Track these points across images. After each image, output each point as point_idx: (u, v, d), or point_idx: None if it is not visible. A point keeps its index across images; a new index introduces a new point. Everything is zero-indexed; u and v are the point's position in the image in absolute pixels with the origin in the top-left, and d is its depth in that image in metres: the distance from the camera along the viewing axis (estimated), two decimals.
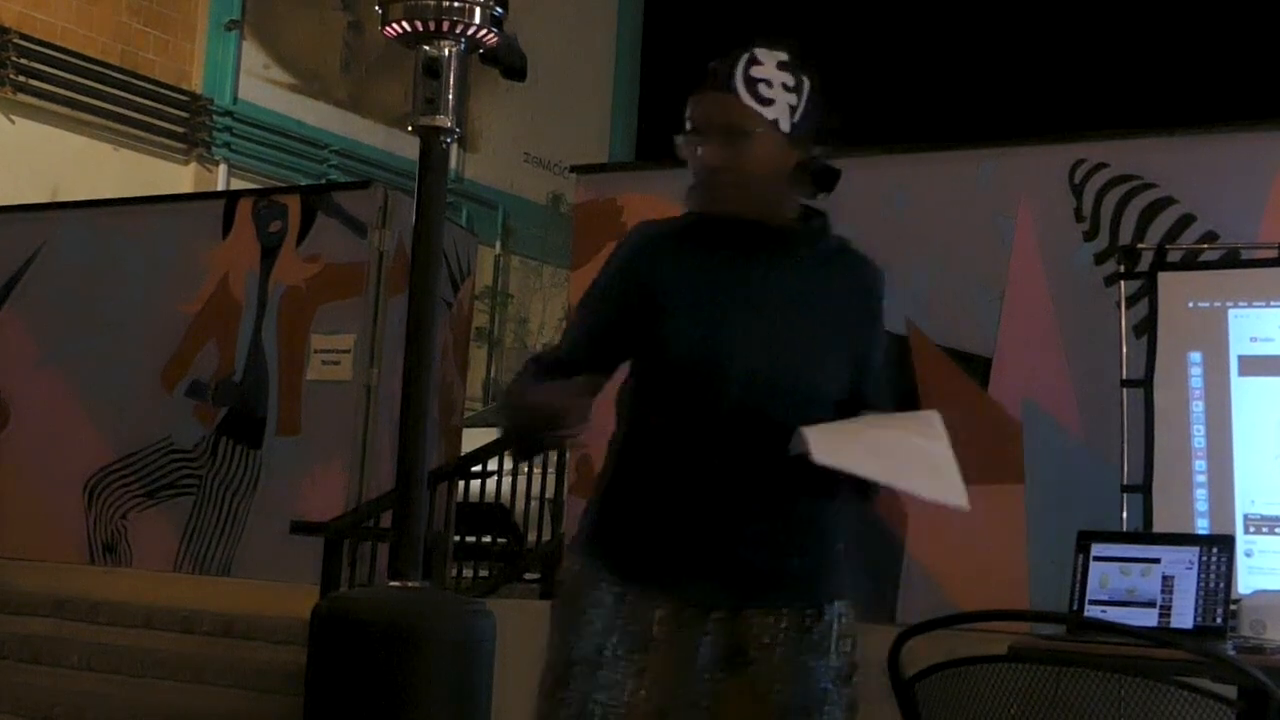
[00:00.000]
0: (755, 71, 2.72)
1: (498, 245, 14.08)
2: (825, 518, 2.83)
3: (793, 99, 2.74)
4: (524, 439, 2.82)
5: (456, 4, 5.37)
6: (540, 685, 2.76)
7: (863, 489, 2.77)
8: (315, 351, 7.52)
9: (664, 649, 2.70)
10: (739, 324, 2.73)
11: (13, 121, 9.86)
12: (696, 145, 2.74)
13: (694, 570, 2.71)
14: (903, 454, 2.66)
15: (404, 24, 5.44)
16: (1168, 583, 4.19)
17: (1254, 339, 5.07)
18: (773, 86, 2.73)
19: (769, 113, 2.72)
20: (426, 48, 5.51)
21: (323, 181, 11.20)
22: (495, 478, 6.99)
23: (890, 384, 2.94)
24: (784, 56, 2.76)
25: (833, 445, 2.59)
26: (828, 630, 2.76)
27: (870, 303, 2.88)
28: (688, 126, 2.77)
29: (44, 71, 9.99)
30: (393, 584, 5.40)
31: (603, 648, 2.70)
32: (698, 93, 2.76)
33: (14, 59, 9.78)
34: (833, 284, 2.82)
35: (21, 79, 9.86)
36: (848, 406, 2.75)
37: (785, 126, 2.74)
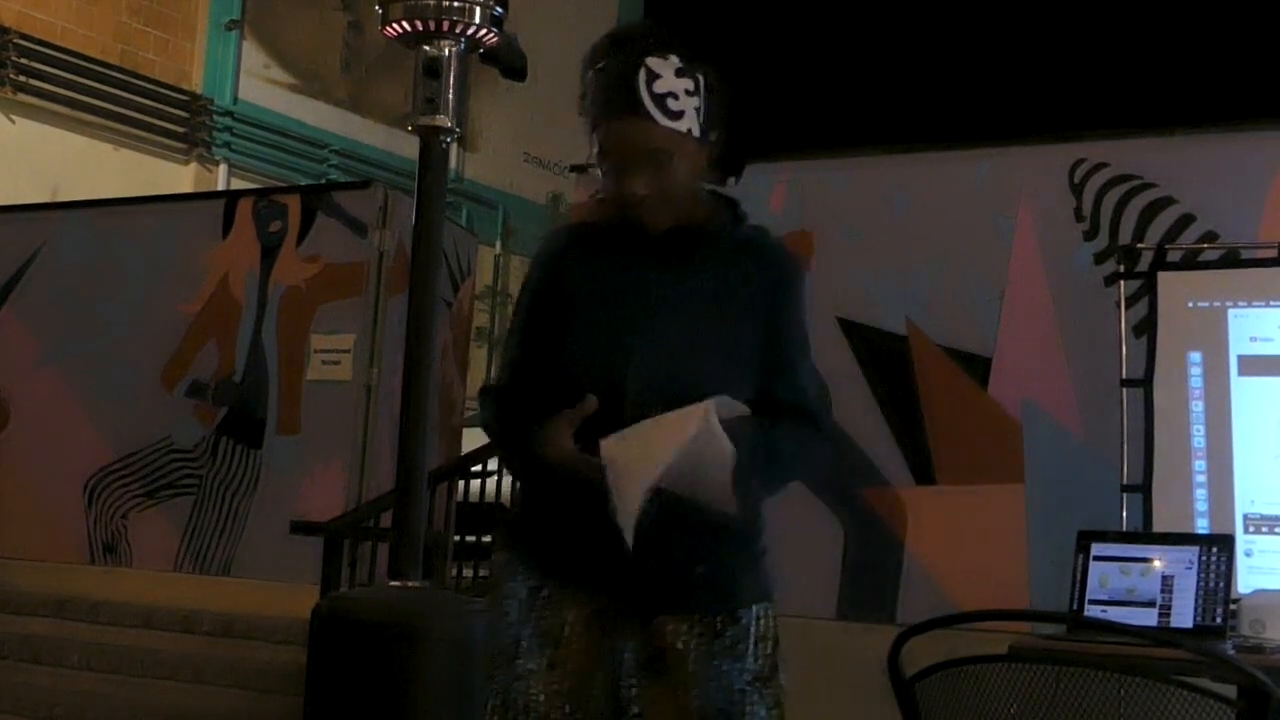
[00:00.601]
0: (658, 87, 2.67)
1: (498, 245, 14.07)
2: (742, 524, 2.76)
3: (696, 101, 2.71)
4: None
5: (456, 4, 5.37)
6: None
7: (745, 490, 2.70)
8: (315, 351, 7.52)
9: (576, 648, 2.71)
10: (637, 335, 2.71)
11: (13, 121, 9.86)
12: (618, 174, 2.70)
13: (604, 578, 2.71)
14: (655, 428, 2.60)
15: (404, 24, 5.43)
16: (1167, 582, 4.19)
17: (1254, 339, 5.07)
18: (679, 98, 2.69)
19: (681, 126, 2.69)
20: (426, 48, 5.51)
21: (323, 181, 11.20)
22: (495, 478, 6.99)
23: (815, 374, 2.88)
24: (677, 62, 2.71)
25: (629, 456, 2.57)
26: (743, 634, 2.75)
27: (781, 296, 2.82)
28: (603, 155, 2.72)
29: (44, 71, 9.98)
30: (393, 584, 5.40)
31: (519, 639, 2.72)
32: (607, 120, 2.70)
33: (14, 59, 9.77)
34: (741, 281, 2.79)
35: (21, 79, 9.85)
36: (757, 408, 2.71)
37: (697, 133, 2.71)
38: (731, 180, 2.83)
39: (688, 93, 2.69)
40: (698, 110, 2.71)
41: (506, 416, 2.86)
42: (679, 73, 2.70)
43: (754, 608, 2.78)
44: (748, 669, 2.74)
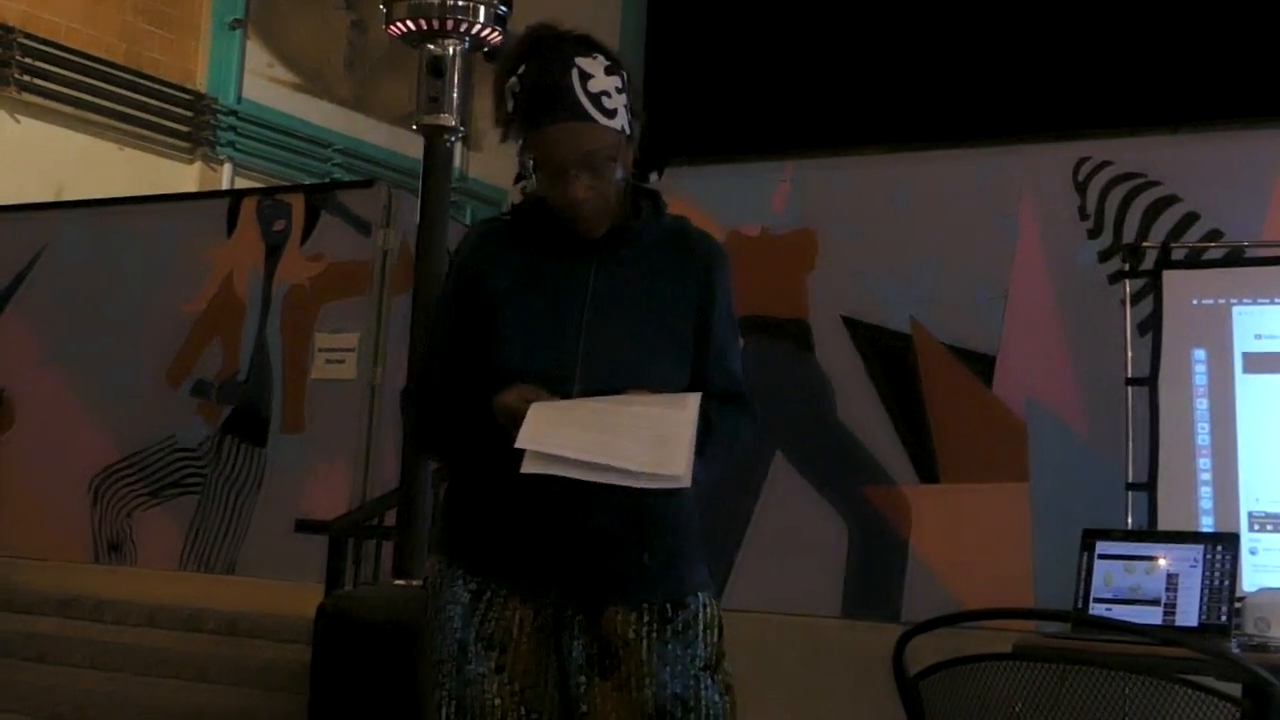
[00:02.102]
0: (592, 86, 2.65)
1: None
2: (675, 512, 2.78)
3: (624, 99, 2.70)
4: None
5: (460, 3, 5.39)
6: (423, 685, 2.78)
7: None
8: (319, 350, 7.53)
9: (524, 650, 2.70)
10: (578, 330, 2.70)
11: (18, 121, 9.86)
12: (558, 179, 2.67)
13: (545, 573, 2.69)
14: (624, 422, 2.58)
15: (408, 23, 5.46)
16: (1172, 581, 4.19)
17: (1258, 336, 5.07)
18: (611, 96, 2.67)
19: (616, 124, 2.68)
20: (430, 46, 5.53)
21: (326, 180, 11.20)
22: None
23: (742, 359, 2.90)
24: (604, 60, 2.69)
25: (546, 426, 2.55)
26: (692, 619, 2.74)
27: (711, 285, 2.83)
28: (542, 161, 2.68)
29: (49, 71, 9.98)
30: (397, 582, 5.42)
31: (465, 644, 2.70)
32: (547, 124, 2.65)
33: (19, 58, 9.77)
34: (671, 272, 2.80)
35: (26, 78, 9.85)
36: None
37: (627, 130, 2.71)
38: (654, 176, 2.83)
39: (617, 90, 2.68)
40: (626, 108, 2.70)
41: (434, 411, 2.82)
42: (607, 70, 2.69)
43: (700, 594, 2.78)
44: (699, 655, 2.73)
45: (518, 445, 2.53)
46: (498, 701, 2.67)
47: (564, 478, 2.57)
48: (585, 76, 2.65)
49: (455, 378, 2.78)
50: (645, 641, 2.70)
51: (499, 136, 2.79)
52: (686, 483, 2.56)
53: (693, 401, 2.63)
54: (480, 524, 2.76)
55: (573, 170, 2.65)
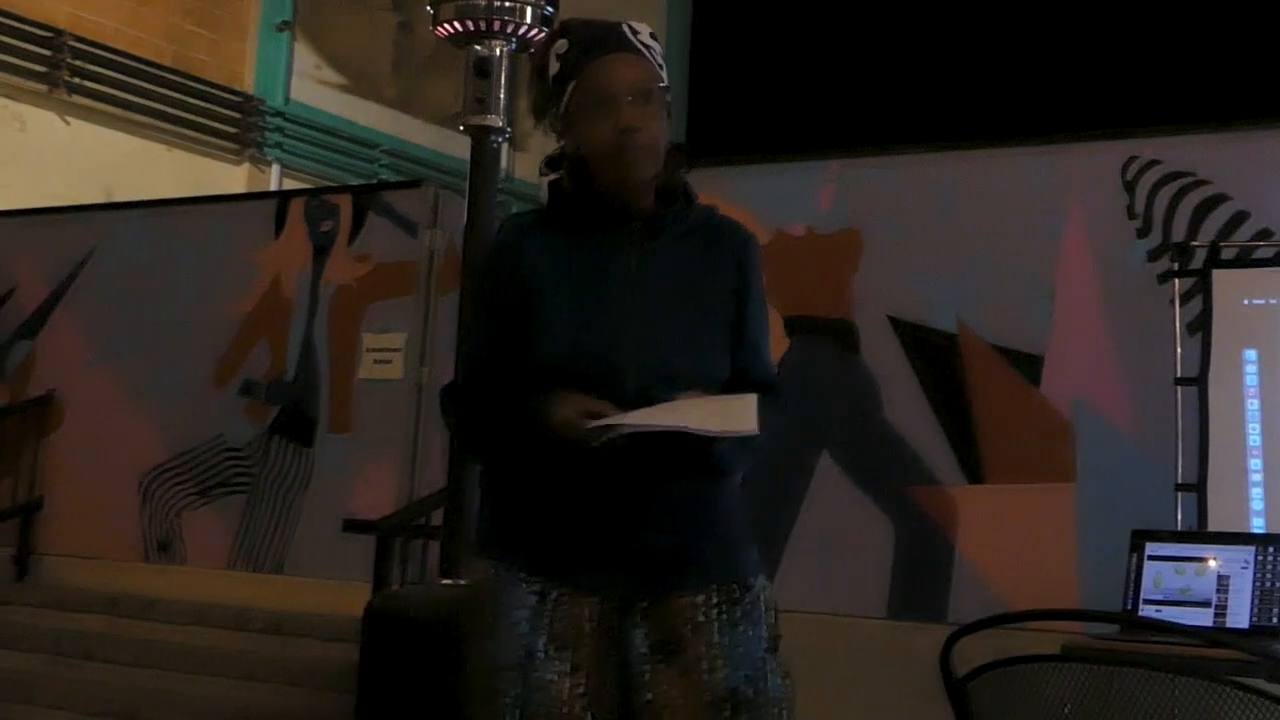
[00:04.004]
0: (640, 39, 2.76)
1: None
2: (724, 498, 2.79)
3: (664, 73, 2.80)
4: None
5: (507, 4, 5.41)
6: (471, 693, 2.73)
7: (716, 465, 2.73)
8: (367, 350, 7.56)
9: (592, 644, 2.68)
10: (622, 313, 2.71)
11: (67, 123, 9.95)
12: (610, 112, 2.70)
13: (607, 564, 2.68)
14: (692, 406, 2.61)
15: (455, 24, 5.48)
16: (1223, 582, 4.17)
17: None
18: (657, 53, 2.78)
19: (663, 73, 2.78)
20: (477, 47, 5.56)
21: (374, 181, 11.25)
22: None
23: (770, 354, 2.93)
24: (649, 28, 2.80)
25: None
26: (756, 601, 2.75)
27: (743, 273, 2.84)
28: (590, 97, 2.71)
29: (97, 73, 10.07)
30: (444, 582, 5.44)
31: (533, 650, 2.66)
32: (599, 59, 2.72)
33: (68, 60, 9.86)
34: (703, 259, 2.81)
35: (75, 80, 9.94)
36: (732, 385, 2.75)
37: (668, 95, 2.79)
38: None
39: (661, 55, 2.79)
40: (665, 74, 2.80)
41: (481, 409, 2.80)
42: (652, 36, 2.81)
43: (759, 576, 2.79)
44: (763, 637, 2.74)
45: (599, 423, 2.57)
46: (565, 711, 2.64)
47: (618, 471, 2.61)
48: (634, 30, 2.77)
49: (500, 373, 2.76)
50: (715, 624, 2.70)
51: (533, 121, 2.84)
52: (755, 430, 2.59)
53: (752, 397, 2.65)
54: (536, 523, 2.74)
55: (625, 99, 2.70)
